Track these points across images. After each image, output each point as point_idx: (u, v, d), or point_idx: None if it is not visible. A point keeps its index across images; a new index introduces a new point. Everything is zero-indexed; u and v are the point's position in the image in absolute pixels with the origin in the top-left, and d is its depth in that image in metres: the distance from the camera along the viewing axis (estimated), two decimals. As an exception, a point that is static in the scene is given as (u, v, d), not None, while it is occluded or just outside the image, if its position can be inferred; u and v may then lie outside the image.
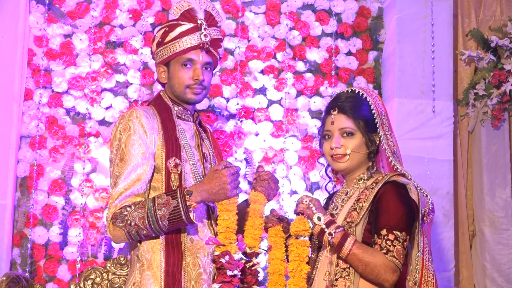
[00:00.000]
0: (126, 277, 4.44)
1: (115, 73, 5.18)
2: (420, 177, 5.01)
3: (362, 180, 3.40)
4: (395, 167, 3.37)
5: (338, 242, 3.23)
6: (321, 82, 5.31)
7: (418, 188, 3.37)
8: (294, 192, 5.13)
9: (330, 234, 3.23)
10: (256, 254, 3.36)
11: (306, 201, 3.32)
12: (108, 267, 4.49)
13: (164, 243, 3.25)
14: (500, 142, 5.40)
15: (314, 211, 3.29)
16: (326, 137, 3.45)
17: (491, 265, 5.23)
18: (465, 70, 5.43)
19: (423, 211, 3.34)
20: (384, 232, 3.22)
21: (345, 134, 3.39)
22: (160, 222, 3.13)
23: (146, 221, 3.13)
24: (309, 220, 3.32)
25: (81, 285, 4.50)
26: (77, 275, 4.90)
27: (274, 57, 5.30)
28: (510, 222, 5.32)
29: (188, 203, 3.14)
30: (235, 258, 3.23)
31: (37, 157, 5.02)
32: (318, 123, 5.21)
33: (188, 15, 3.42)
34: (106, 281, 4.51)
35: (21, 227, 4.99)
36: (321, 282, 3.32)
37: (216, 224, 3.30)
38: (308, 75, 5.32)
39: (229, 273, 3.20)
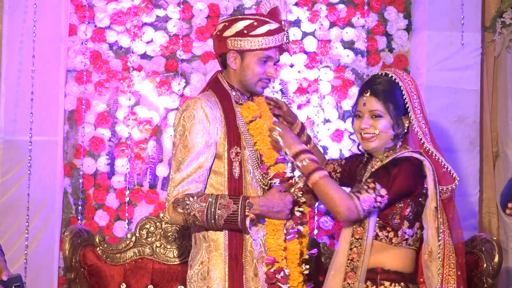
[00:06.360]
0: (178, 226, 4.73)
1: (155, 7, 5.35)
2: (448, 108, 5.27)
3: (386, 157, 3.55)
4: (427, 148, 3.51)
5: (308, 172, 3.41)
6: (353, 13, 5.45)
7: (443, 164, 3.51)
8: (328, 121, 5.36)
9: (297, 166, 3.44)
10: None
11: (274, 135, 3.47)
12: (161, 217, 4.76)
13: None
14: (525, 68, 5.54)
15: (281, 145, 3.46)
16: (357, 116, 3.59)
17: (514, 187, 5.43)
18: (492, -3, 5.56)
19: (442, 189, 3.49)
20: (370, 180, 3.39)
21: (374, 116, 3.52)
22: (217, 221, 3.30)
23: (205, 215, 3.29)
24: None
25: (137, 234, 4.80)
26: (126, 202, 5.22)
27: (308, -11, 5.45)
28: (533, 145, 5.50)
29: (246, 213, 3.31)
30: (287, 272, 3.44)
31: (83, 90, 5.27)
32: (350, 53, 5.41)
33: (275, 13, 3.52)
34: (160, 230, 4.79)
35: (71, 158, 5.28)
36: (341, 254, 3.52)
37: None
38: (341, 6, 5.45)
39: (284, 287, 3.41)
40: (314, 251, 3.73)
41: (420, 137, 3.52)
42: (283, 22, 3.54)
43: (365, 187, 3.36)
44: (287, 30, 3.55)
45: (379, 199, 3.35)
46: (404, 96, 3.51)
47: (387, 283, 3.44)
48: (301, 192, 3.52)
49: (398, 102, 3.52)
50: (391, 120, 3.51)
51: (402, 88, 3.52)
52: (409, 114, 3.51)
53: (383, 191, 3.35)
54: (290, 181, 3.50)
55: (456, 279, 3.45)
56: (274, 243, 3.43)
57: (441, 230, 3.44)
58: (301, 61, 5.39)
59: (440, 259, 3.44)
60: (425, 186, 3.45)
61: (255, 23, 3.47)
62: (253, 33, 3.46)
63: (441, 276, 3.43)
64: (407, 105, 3.50)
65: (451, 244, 3.47)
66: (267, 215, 3.41)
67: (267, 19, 3.49)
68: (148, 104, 5.31)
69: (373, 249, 3.45)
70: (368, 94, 3.55)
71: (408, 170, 3.41)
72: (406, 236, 3.45)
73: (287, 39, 3.56)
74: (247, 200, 3.34)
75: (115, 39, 5.32)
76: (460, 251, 3.53)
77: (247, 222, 3.33)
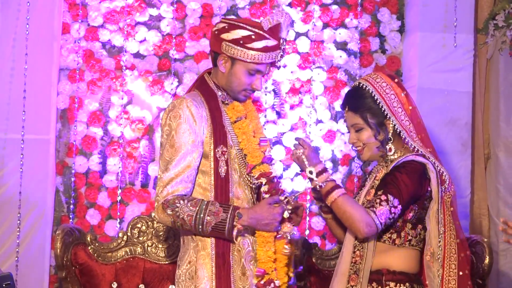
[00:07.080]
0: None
1: (148, 7, 5.35)
2: (441, 109, 5.28)
3: (388, 161, 3.56)
4: (412, 146, 3.51)
5: (326, 191, 3.42)
6: (346, 14, 5.46)
7: (438, 167, 3.50)
8: (320, 121, 5.37)
9: (320, 186, 3.43)
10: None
11: (298, 153, 3.47)
12: (153, 216, 4.75)
13: None
14: (517, 71, 5.54)
15: (306, 164, 3.46)
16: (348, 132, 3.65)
17: (505, 189, 5.39)
18: (485, -2, 5.57)
19: (443, 188, 3.49)
20: (380, 192, 3.40)
21: (356, 130, 3.55)
22: (204, 227, 3.30)
23: (193, 220, 3.29)
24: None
25: (129, 233, 4.80)
26: (117, 201, 5.22)
27: (302, -10, 5.46)
28: (524, 148, 5.49)
29: (235, 223, 3.31)
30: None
31: (75, 89, 5.27)
32: (343, 54, 5.42)
33: (275, 30, 3.45)
34: (152, 229, 4.79)
35: (63, 157, 5.28)
36: (346, 257, 3.55)
37: None
38: (334, 7, 5.46)
39: None
40: (299, 269, 3.72)
41: (403, 136, 3.51)
42: (281, 40, 3.50)
43: (378, 200, 3.38)
44: (283, 48, 3.52)
45: (393, 210, 3.37)
46: (378, 101, 3.50)
47: (392, 284, 3.45)
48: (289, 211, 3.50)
49: (374, 108, 3.52)
50: (372, 130, 3.53)
51: (373, 93, 3.51)
52: (388, 116, 3.50)
53: (396, 202, 3.37)
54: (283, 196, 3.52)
55: (457, 280, 3.45)
56: (264, 255, 3.43)
57: (441, 232, 3.45)
58: (294, 62, 5.39)
59: (440, 260, 3.46)
60: (429, 188, 3.46)
61: (253, 36, 3.43)
62: (248, 45, 3.43)
63: (441, 278, 3.45)
64: (382, 108, 3.50)
65: (452, 246, 3.47)
66: (255, 227, 3.41)
67: (266, 35, 3.44)
68: (141, 103, 5.32)
69: (377, 251, 3.46)
70: (346, 110, 3.60)
71: (414, 176, 3.43)
72: (409, 237, 3.47)
73: (281, 57, 3.53)
74: (237, 211, 3.34)
75: (108, 37, 5.32)
76: (465, 245, 3.53)
77: (235, 232, 3.33)
